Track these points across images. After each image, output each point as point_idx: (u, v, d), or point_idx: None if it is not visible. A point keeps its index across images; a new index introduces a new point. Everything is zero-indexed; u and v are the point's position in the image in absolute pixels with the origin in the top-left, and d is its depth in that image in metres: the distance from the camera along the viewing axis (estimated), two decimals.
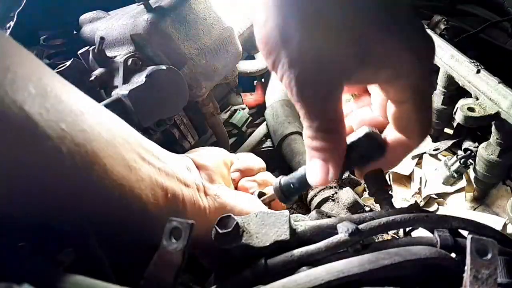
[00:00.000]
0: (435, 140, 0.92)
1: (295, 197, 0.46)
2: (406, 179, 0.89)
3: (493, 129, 0.70)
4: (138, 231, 0.39)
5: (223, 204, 0.47)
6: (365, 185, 0.54)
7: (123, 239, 0.39)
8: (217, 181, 0.51)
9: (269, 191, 0.53)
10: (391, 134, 0.39)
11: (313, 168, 0.37)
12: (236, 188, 0.56)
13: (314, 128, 0.34)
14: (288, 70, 0.32)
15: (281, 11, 0.31)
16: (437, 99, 0.85)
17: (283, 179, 0.46)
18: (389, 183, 0.51)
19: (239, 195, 0.51)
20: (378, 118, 0.41)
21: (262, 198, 0.52)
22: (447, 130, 0.93)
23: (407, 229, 0.44)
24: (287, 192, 0.45)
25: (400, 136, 0.38)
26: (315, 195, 0.81)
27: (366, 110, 0.43)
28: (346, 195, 0.77)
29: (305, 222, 0.39)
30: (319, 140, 0.35)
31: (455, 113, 0.71)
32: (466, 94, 0.76)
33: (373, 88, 0.42)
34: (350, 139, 0.39)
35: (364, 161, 0.40)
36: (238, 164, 0.58)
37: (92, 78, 0.71)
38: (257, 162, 0.60)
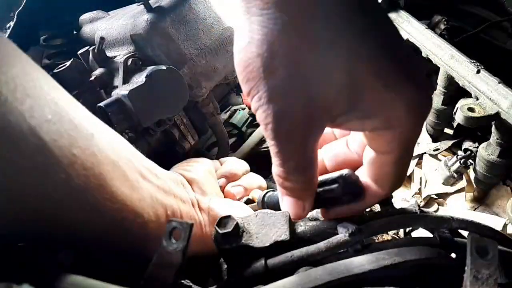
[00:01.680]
0: (435, 140, 0.92)
1: None
2: (406, 180, 0.89)
3: (493, 129, 0.70)
4: (138, 251, 0.38)
5: (217, 217, 0.44)
6: None
7: (123, 259, 0.39)
8: (208, 192, 0.52)
9: (256, 194, 0.55)
10: (361, 178, 0.36)
11: (288, 205, 0.36)
12: (223, 193, 0.57)
13: (286, 169, 0.33)
14: (266, 104, 0.29)
15: (267, 38, 0.28)
16: (437, 99, 0.85)
17: (268, 196, 0.46)
18: None
19: (231, 205, 0.52)
20: (353, 155, 0.38)
21: (250, 205, 0.54)
22: (447, 130, 0.93)
23: (407, 229, 0.44)
24: (271, 208, 0.44)
25: (371, 183, 0.35)
26: None
27: (342, 144, 0.40)
28: None
29: (305, 222, 0.39)
30: (291, 182, 0.34)
31: (455, 113, 0.71)
32: (466, 94, 0.76)
33: None
34: (327, 176, 0.37)
35: (336, 203, 0.38)
36: (222, 170, 0.60)
37: (92, 78, 0.71)
38: (241, 166, 0.62)
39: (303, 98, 0.29)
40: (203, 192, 0.51)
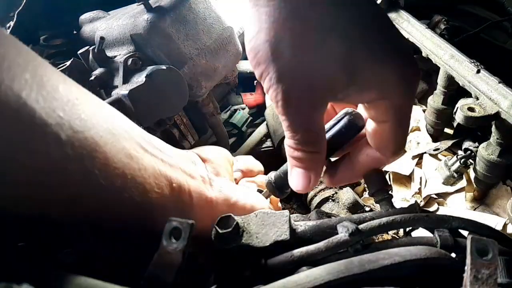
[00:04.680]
0: (435, 140, 0.92)
1: (288, 190, 0.47)
2: (406, 179, 0.89)
3: (493, 129, 0.70)
4: (143, 225, 0.37)
5: (229, 196, 0.46)
6: (365, 185, 0.54)
7: (127, 234, 0.37)
8: (222, 175, 0.50)
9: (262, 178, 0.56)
10: (365, 148, 0.40)
11: (296, 176, 0.39)
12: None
13: (296, 140, 0.36)
14: (276, 84, 0.33)
15: (273, 26, 0.32)
16: (437, 99, 0.85)
17: (274, 174, 0.48)
18: (389, 183, 0.51)
19: (243, 189, 0.51)
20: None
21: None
22: (447, 130, 0.93)
23: (407, 229, 0.44)
24: (279, 186, 0.47)
25: (374, 150, 0.39)
26: (315, 195, 0.81)
27: None
28: (346, 195, 0.77)
29: (305, 222, 0.39)
30: (300, 151, 0.37)
31: (455, 113, 0.71)
32: (466, 94, 0.76)
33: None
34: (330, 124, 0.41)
35: (341, 146, 0.41)
36: (240, 164, 0.58)
37: (92, 78, 0.71)
38: (257, 165, 0.61)
39: (308, 78, 0.33)
40: (217, 173, 0.49)
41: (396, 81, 0.33)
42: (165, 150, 0.42)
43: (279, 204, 0.57)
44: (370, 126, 0.38)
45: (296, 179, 0.39)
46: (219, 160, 0.51)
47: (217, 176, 0.49)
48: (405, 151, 0.92)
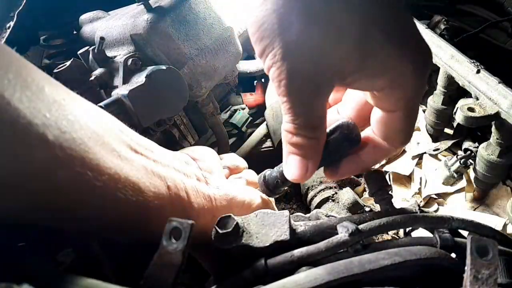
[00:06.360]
0: (435, 140, 0.92)
1: (281, 190, 0.46)
2: (406, 179, 0.89)
3: (493, 129, 0.70)
4: (142, 225, 0.36)
5: (226, 193, 0.46)
6: (365, 185, 0.54)
7: (125, 237, 0.37)
8: (215, 172, 0.50)
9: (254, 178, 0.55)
10: (370, 136, 0.38)
11: (292, 164, 0.36)
12: None
13: (296, 125, 0.33)
14: (280, 61, 0.30)
15: None
16: (437, 99, 0.85)
17: (268, 173, 0.46)
18: (389, 183, 0.51)
19: (238, 185, 0.51)
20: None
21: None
22: (447, 130, 0.93)
23: (407, 229, 0.44)
24: (272, 186, 0.46)
25: (380, 140, 0.37)
26: (315, 195, 0.81)
27: (333, 112, 0.42)
28: (346, 195, 0.77)
29: (305, 222, 0.39)
30: (300, 136, 0.34)
31: (455, 113, 0.71)
32: (466, 94, 0.76)
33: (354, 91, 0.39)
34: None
35: (338, 155, 0.39)
36: (226, 162, 0.58)
37: (92, 78, 0.71)
38: (242, 161, 0.61)
39: (316, 56, 0.29)
40: (210, 171, 0.48)
41: (411, 70, 0.30)
42: (156, 151, 0.41)
43: (272, 199, 0.57)
44: (377, 115, 0.35)
45: (293, 167, 0.36)
46: (209, 158, 0.52)
47: (210, 174, 0.49)
48: (405, 151, 0.92)
